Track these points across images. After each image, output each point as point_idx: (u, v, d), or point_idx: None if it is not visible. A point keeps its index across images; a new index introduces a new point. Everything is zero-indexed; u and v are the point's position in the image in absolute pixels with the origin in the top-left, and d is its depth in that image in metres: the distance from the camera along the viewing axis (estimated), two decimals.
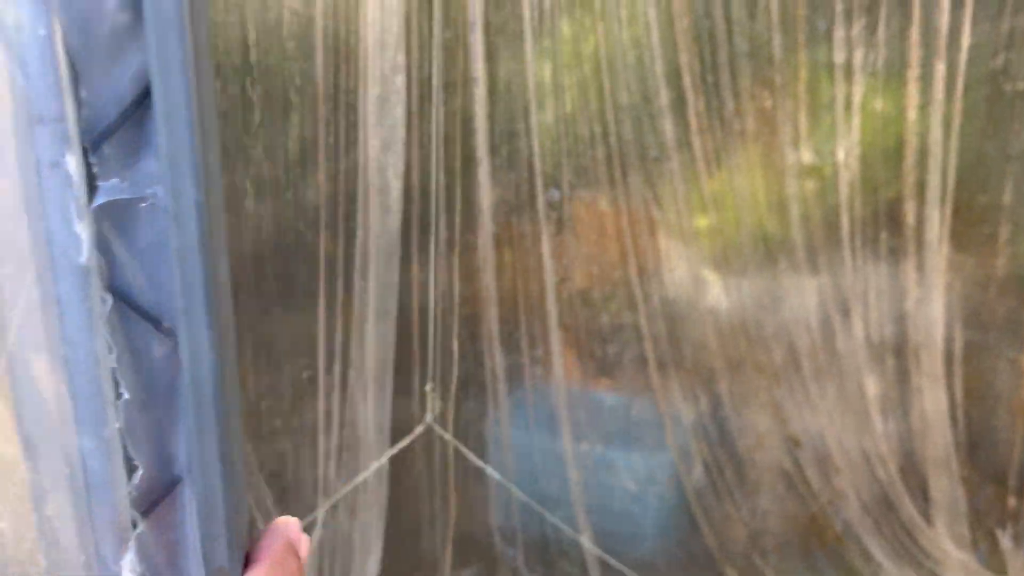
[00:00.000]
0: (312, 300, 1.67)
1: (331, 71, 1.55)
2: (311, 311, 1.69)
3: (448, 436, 1.12)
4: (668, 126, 1.55)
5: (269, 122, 1.59)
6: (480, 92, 1.50)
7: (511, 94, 1.55)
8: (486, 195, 1.58)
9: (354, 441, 1.70)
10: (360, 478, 1.56)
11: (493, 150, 1.57)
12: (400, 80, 1.47)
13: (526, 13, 1.47)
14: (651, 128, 1.56)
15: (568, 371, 1.73)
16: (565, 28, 1.49)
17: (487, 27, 1.50)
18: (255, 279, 1.67)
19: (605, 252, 1.65)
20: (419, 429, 1.27)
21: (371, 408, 1.66)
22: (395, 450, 1.53)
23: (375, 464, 1.58)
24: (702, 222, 1.65)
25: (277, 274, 1.66)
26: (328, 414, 1.71)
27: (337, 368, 1.70)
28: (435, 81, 1.54)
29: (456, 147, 1.62)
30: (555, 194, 1.57)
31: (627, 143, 1.55)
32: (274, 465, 1.76)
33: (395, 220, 1.56)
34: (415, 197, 1.67)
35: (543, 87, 1.50)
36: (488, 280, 1.65)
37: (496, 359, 1.74)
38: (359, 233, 1.60)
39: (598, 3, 1.45)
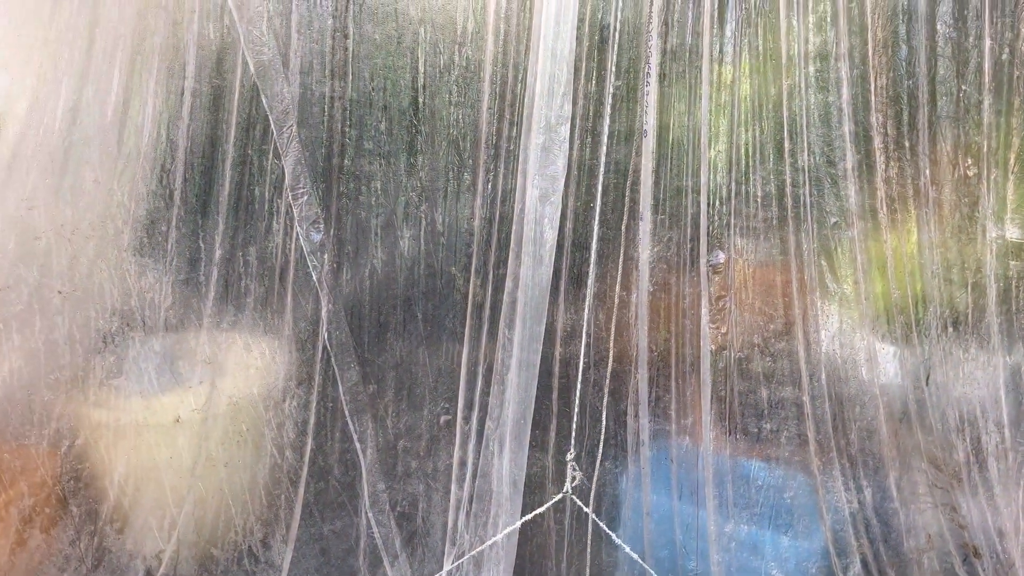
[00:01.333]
0: (457, 345, 1.64)
1: (495, 117, 1.52)
2: (455, 356, 1.66)
3: (587, 509, 1.05)
4: (852, 191, 1.42)
5: (430, 165, 1.58)
6: (649, 145, 1.43)
7: (681, 149, 1.46)
8: (646, 251, 1.50)
9: (486, 492, 1.65)
10: (490, 542, 1.50)
11: (657, 205, 1.49)
12: (564, 130, 1.42)
13: (704, 65, 1.38)
14: (833, 192, 1.43)
15: (719, 443, 1.61)
16: (745, 84, 1.40)
17: (662, 78, 1.42)
18: (403, 318, 1.66)
19: (770, 321, 1.52)
20: (556, 497, 1.20)
21: (506, 461, 1.61)
22: (529, 516, 1.46)
23: (507, 528, 1.52)
24: (883, 296, 1.50)
25: (425, 316, 1.64)
26: (463, 462, 1.66)
27: (475, 416, 1.66)
28: (603, 132, 1.47)
29: (618, 200, 1.55)
30: (720, 256, 1.47)
31: (804, 207, 1.43)
32: (406, 506, 1.73)
33: (547, 272, 1.51)
34: (569, 248, 1.61)
35: (717, 143, 1.40)
36: (640, 340, 1.56)
37: (641, 423, 1.64)
38: (509, 282, 1.55)
39: (784, 59, 1.35)
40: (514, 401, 1.60)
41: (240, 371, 1.70)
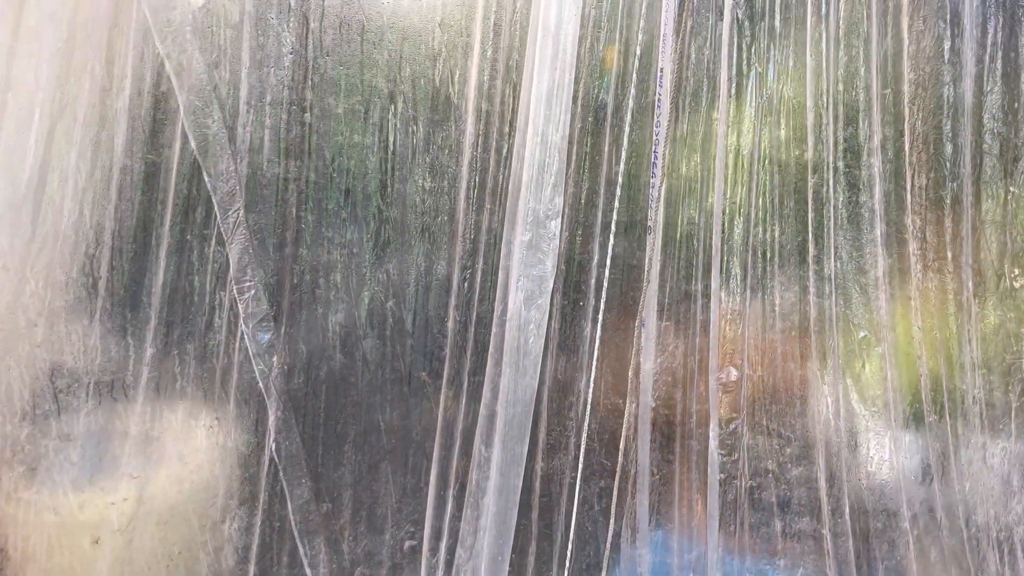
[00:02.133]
0: (425, 461, 1.43)
1: (474, 207, 1.32)
2: (422, 473, 1.44)
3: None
4: (883, 301, 1.23)
5: (399, 257, 1.37)
6: (655, 242, 1.24)
7: (690, 248, 1.27)
8: (648, 362, 1.30)
9: None
10: None
11: (661, 311, 1.29)
12: (554, 225, 1.23)
13: (718, 156, 1.20)
14: (862, 302, 1.25)
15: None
16: (765, 179, 1.22)
17: (670, 171, 1.24)
18: (364, 429, 1.44)
19: (787, 445, 1.33)
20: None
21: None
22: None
23: None
24: (915, 420, 1.31)
25: (390, 427, 1.43)
26: None
27: (444, 544, 1.43)
28: (596, 223, 1.28)
29: (615, 299, 1.35)
30: (732, 373, 1.27)
31: (828, 319, 1.24)
32: None
33: (531, 384, 1.30)
34: (554, 351, 1.40)
35: (732, 245, 1.22)
36: (642, 459, 1.36)
37: (639, 551, 1.42)
38: (487, 392, 1.34)
39: (811, 152, 1.17)
40: (491, 531, 1.38)
41: (172, 486, 1.47)
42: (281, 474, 1.41)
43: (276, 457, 1.40)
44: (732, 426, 1.29)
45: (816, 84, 1.22)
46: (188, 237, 1.36)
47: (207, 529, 1.46)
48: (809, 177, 1.18)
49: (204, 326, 1.38)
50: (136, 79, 1.29)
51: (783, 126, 1.23)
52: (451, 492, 1.41)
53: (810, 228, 1.19)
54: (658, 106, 1.28)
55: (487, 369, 1.30)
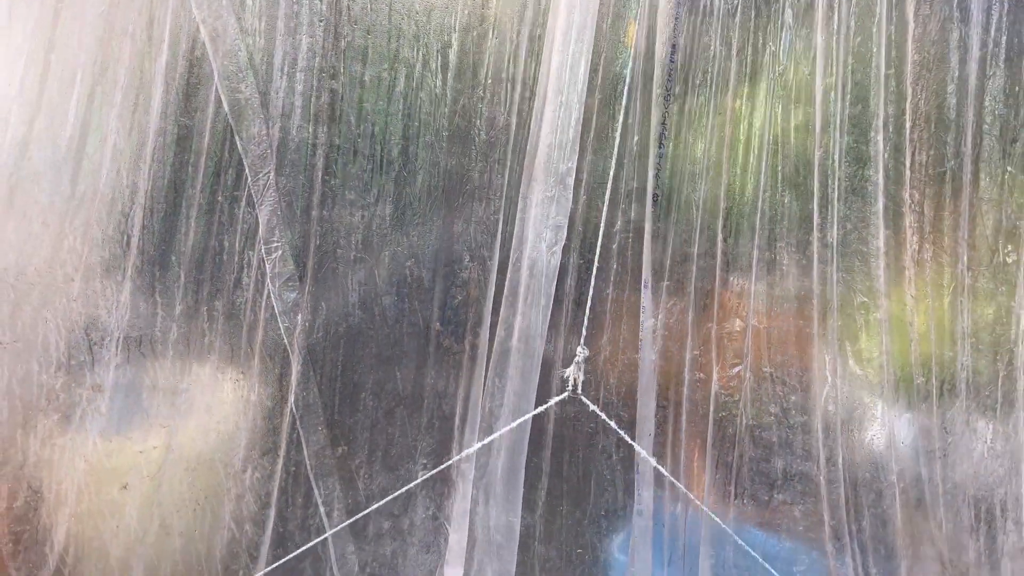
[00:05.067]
0: (440, 402, 1.50)
1: (493, 167, 1.39)
2: (436, 412, 1.51)
3: (592, 406, 0.92)
4: (882, 270, 1.31)
5: (419, 219, 1.43)
6: (659, 207, 1.31)
7: (691, 214, 1.34)
8: (649, 318, 1.37)
9: (471, 541, 1.50)
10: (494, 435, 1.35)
11: (662, 271, 1.36)
12: (570, 181, 1.30)
13: (727, 126, 1.27)
14: (863, 270, 1.32)
15: (722, 509, 1.49)
16: (775, 151, 1.28)
17: (676, 139, 1.30)
18: (382, 378, 1.51)
19: (789, 393, 1.40)
20: (561, 396, 1.06)
21: (494, 511, 1.47)
22: (537, 411, 1.33)
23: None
24: (905, 383, 1.38)
25: (406, 376, 1.50)
26: (443, 514, 1.52)
27: (460, 467, 1.50)
28: (616, 189, 1.35)
29: (627, 262, 1.42)
30: (737, 323, 1.35)
31: (830, 283, 1.31)
32: (376, 567, 1.58)
33: (544, 322, 1.38)
34: (569, 306, 1.47)
35: (742, 210, 1.29)
36: (646, 404, 1.43)
37: (640, 499, 1.50)
38: (501, 331, 1.42)
39: (819, 126, 1.23)
40: (504, 452, 1.46)
41: (199, 436, 1.54)
42: (298, 423, 1.48)
43: (294, 408, 1.47)
44: (737, 370, 1.36)
45: (826, 64, 1.28)
46: (219, 198, 1.42)
47: (231, 477, 1.53)
48: (816, 150, 1.25)
49: (232, 284, 1.45)
50: (173, 43, 1.34)
51: (793, 102, 1.29)
52: (466, 424, 1.48)
53: (815, 198, 1.26)
54: (670, 80, 1.34)
55: (502, 311, 1.38)
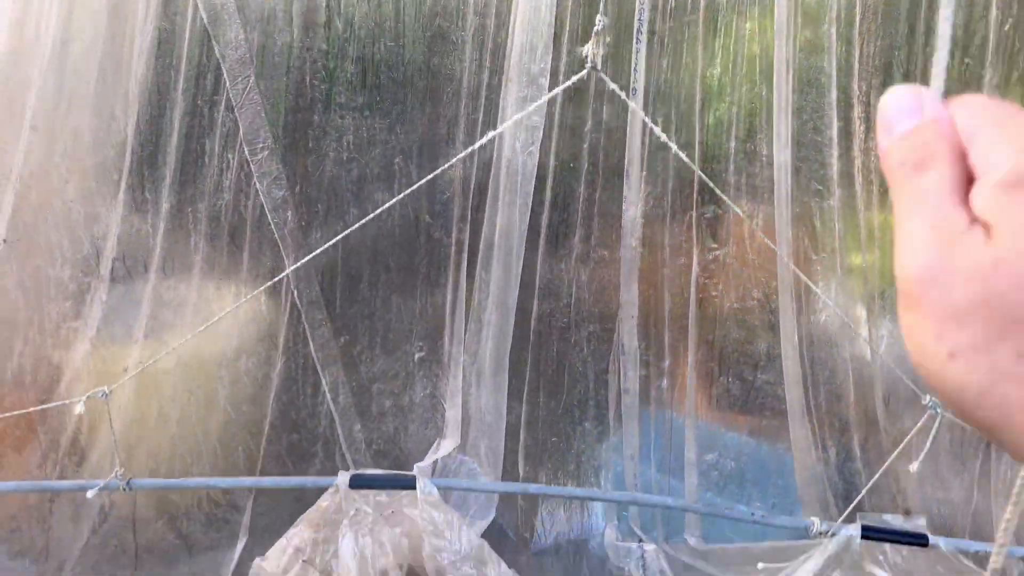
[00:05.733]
0: (431, 290, 1.60)
1: (476, 68, 1.45)
2: (428, 300, 1.61)
3: (612, 85, 0.96)
4: (835, 159, 1.41)
5: (407, 118, 1.50)
6: (638, 102, 1.38)
7: (670, 107, 1.43)
8: (631, 208, 1.47)
9: (465, 419, 1.62)
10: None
11: (642, 162, 1.45)
12: (545, 83, 1.36)
13: (700, 24, 1.34)
14: (817, 159, 1.42)
15: (699, 403, 1.62)
16: (742, 45, 1.36)
17: (652, 36, 1.37)
18: (377, 270, 1.60)
19: (768, 279, 1.52)
20: (581, 72, 1.08)
21: (485, 392, 1.58)
22: (553, 92, 1.44)
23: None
24: (855, 267, 1.51)
25: (399, 265, 1.59)
26: (438, 396, 1.63)
27: (452, 350, 1.61)
28: (588, 90, 1.43)
29: (604, 159, 1.51)
30: (711, 211, 1.45)
31: (787, 172, 1.42)
32: (382, 444, 1.70)
33: (523, 219, 1.46)
34: (548, 206, 1.56)
35: (713, 103, 1.37)
36: (626, 296, 1.54)
37: (626, 377, 1.62)
38: (486, 228, 1.51)
39: (769, 31, 1.32)
40: (492, 340, 1.57)
41: (195, 327, 1.62)
42: (303, 317, 1.57)
43: (297, 302, 1.55)
44: (714, 255, 1.48)
45: None
46: (199, 102, 1.46)
47: (224, 367, 1.61)
48: (776, 44, 1.33)
49: (215, 186, 1.50)
50: None
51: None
52: (456, 312, 1.58)
53: (775, 91, 1.35)
54: None
55: (486, 207, 1.46)
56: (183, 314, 1.59)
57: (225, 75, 1.46)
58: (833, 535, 1.27)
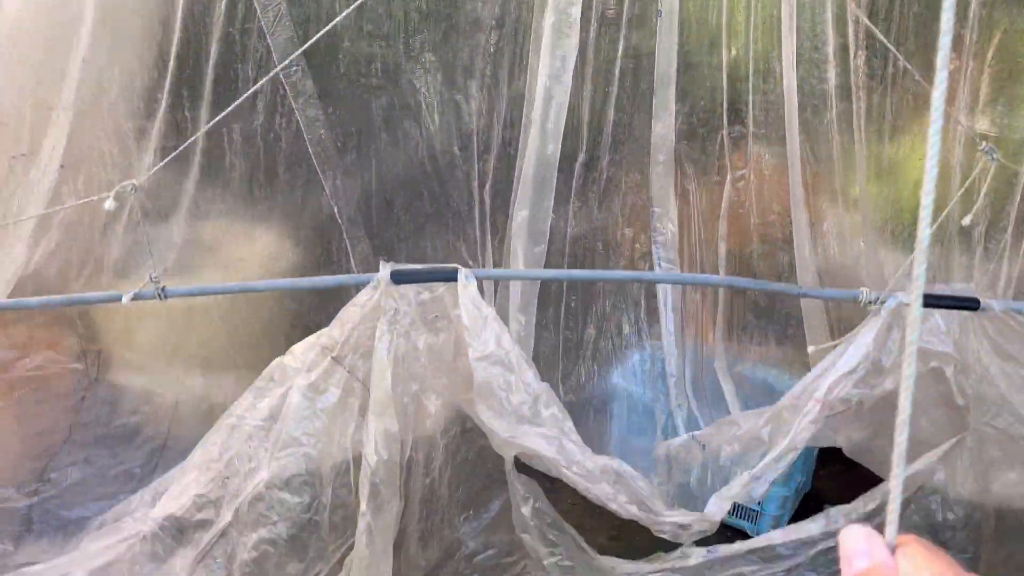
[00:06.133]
0: (464, 219, 1.68)
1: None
2: (463, 229, 1.69)
3: None
4: (832, 76, 1.50)
5: (434, 43, 1.57)
6: (665, 25, 1.47)
7: (694, 30, 1.52)
8: (658, 124, 1.56)
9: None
10: None
11: (671, 81, 1.54)
12: (575, 11, 1.43)
13: None
14: (815, 75, 1.51)
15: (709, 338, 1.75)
16: None
17: None
18: (409, 197, 1.67)
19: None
20: None
21: (515, 328, 1.67)
22: None
23: None
24: (853, 190, 1.60)
25: (431, 193, 1.66)
26: None
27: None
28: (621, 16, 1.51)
29: (634, 85, 1.60)
30: (737, 131, 1.57)
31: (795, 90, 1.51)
32: None
33: (555, 149, 1.52)
34: (581, 130, 1.65)
35: (734, 24, 1.46)
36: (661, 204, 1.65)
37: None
38: (518, 161, 1.59)
39: None
40: (521, 256, 1.63)
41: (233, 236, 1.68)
42: (344, 234, 1.64)
43: (339, 218, 1.62)
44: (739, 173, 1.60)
45: None
46: (231, 30, 1.52)
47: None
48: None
49: (253, 106, 1.57)
50: None
51: None
52: (489, 240, 1.67)
53: (783, 43, 1.44)
54: None
55: (520, 140, 1.54)
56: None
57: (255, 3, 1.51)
58: (883, 303, 1.23)
